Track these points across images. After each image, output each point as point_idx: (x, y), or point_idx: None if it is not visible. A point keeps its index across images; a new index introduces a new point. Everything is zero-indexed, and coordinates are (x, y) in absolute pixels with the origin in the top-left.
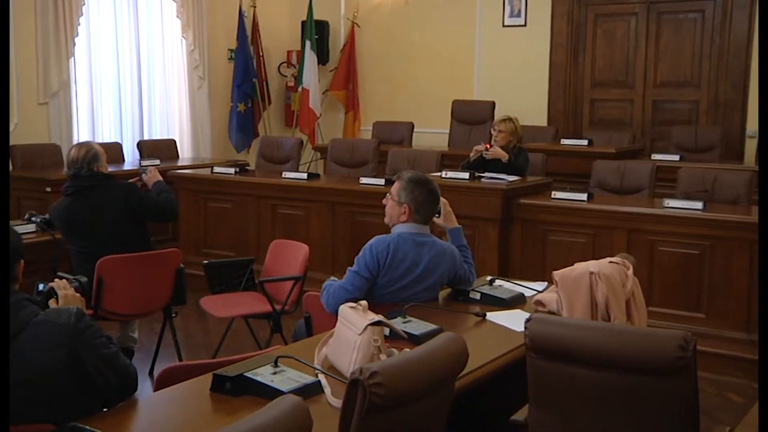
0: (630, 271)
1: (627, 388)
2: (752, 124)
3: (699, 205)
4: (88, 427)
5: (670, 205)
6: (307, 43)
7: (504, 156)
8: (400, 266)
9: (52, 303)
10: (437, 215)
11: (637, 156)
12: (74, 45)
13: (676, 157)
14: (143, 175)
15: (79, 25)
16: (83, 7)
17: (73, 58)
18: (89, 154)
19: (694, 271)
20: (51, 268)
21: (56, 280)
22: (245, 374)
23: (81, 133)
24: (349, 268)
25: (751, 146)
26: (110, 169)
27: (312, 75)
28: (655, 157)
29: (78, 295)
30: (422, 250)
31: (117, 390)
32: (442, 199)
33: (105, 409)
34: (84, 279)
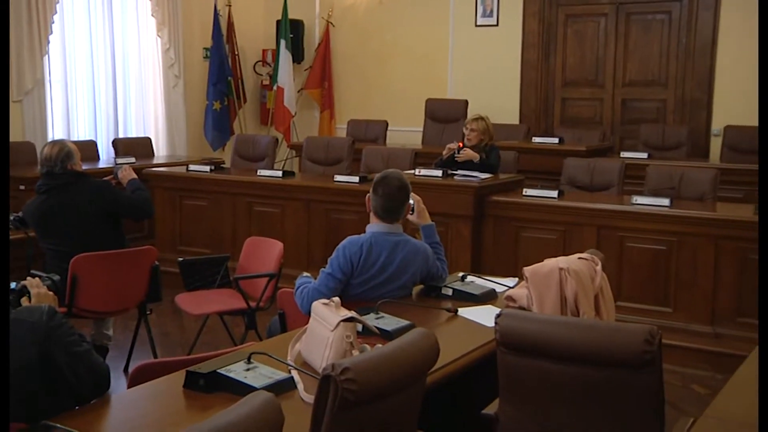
0: (598, 267)
1: (595, 381)
2: (717, 123)
3: (666, 201)
4: (59, 425)
5: (638, 202)
6: (282, 42)
7: (475, 157)
8: (374, 266)
9: (24, 301)
10: (411, 212)
11: (607, 154)
12: (48, 43)
13: (645, 155)
14: (117, 172)
15: (53, 23)
16: (57, 6)
17: (47, 56)
18: (63, 152)
19: (661, 267)
20: (24, 266)
21: (28, 278)
22: (218, 371)
23: (56, 131)
24: (322, 269)
25: (716, 144)
26: (85, 167)
27: (287, 74)
28: (624, 154)
29: (50, 293)
30: (395, 249)
31: (89, 388)
32: (415, 196)
33: (77, 407)
34: (56, 277)
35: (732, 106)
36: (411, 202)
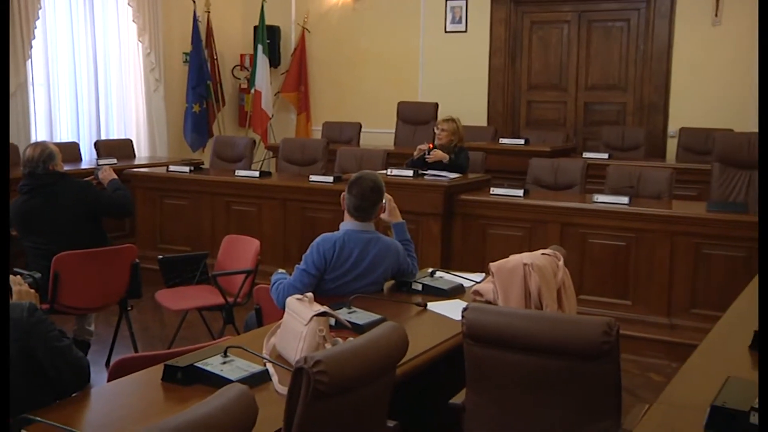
0: (561, 262)
1: (556, 371)
2: (673, 125)
3: (625, 200)
4: (39, 418)
5: (599, 200)
6: (260, 47)
7: (445, 157)
8: (347, 262)
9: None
10: (383, 211)
11: (570, 154)
12: (31, 48)
13: (605, 156)
14: (98, 173)
15: (35, 28)
16: (40, 11)
17: (30, 60)
18: (44, 153)
19: (621, 262)
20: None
21: (10, 276)
22: (195, 364)
23: (39, 134)
24: (297, 265)
25: (672, 145)
26: (67, 168)
27: (264, 77)
28: (586, 155)
29: (32, 290)
30: (367, 247)
31: (70, 382)
32: (387, 195)
33: (57, 401)
34: (38, 275)
35: (687, 109)
36: (383, 201)
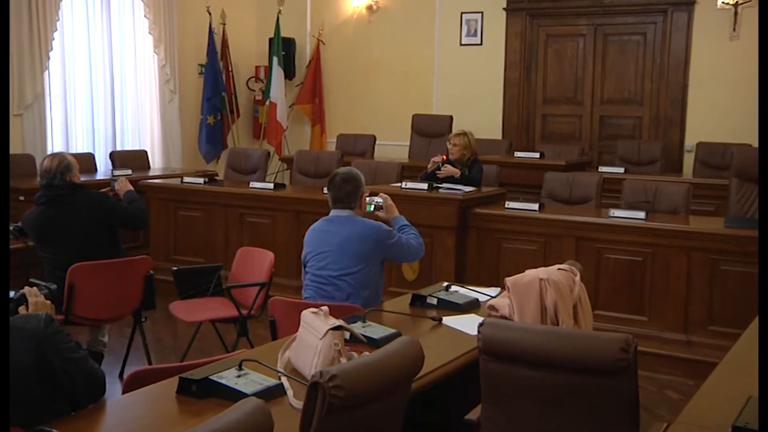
0: (577, 278)
1: (573, 387)
2: (690, 139)
3: (641, 214)
4: (55, 430)
5: (615, 215)
6: (275, 59)
7: (456, 173)
8: (312, 236)
9: (22, 309)
10: (381, 210)
11: (585, 168)
12: (49, 59)
13: (621, 170)
14: (114, 184)
15: (53, 39)
16: (57, 23)
17: (47, 71)
18: (62, 164)
19: (637, 277)
20: (23, 275)
21: (26, 287)
22: (210, 377)
23: (55, 144)
24: None
25: (688, 159)
26: (83, 178)
27: (279, 89)
28: (602, 169)
29: (48, 301)
30: (338, 227)
31: (85, 394)
32: (383, 194)
33: (73, 413)
34: (54, 286)
35: (704, 123)
36: (379, 200)
